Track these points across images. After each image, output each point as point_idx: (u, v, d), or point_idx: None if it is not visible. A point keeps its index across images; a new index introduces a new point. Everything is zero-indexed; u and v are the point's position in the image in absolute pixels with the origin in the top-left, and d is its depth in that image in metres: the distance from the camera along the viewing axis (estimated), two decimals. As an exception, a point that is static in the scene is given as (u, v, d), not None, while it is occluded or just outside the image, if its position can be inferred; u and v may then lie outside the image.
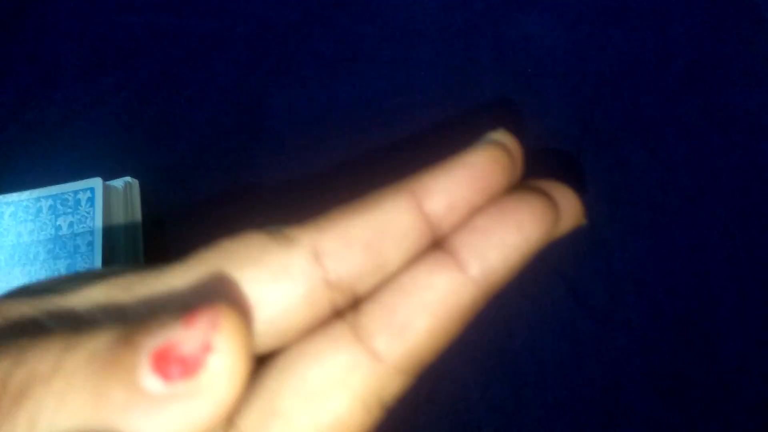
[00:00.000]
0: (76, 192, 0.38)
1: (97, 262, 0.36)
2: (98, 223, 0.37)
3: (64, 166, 0.44)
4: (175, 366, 0.13)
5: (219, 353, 0.13)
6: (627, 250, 0.41)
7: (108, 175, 0.41)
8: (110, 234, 0.38)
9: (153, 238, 0.42)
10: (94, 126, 0.46)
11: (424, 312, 0.16)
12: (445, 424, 0.37)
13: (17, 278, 0.36)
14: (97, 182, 0.38)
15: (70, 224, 0.37)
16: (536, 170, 0.47)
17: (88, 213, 0.37)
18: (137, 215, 0.41)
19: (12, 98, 0.47)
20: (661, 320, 0.39)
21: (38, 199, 0.38)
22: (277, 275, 0.15)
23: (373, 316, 0.16)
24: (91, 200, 0.38)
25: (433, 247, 0.16)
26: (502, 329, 0.39)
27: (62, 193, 0.38)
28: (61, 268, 0.36)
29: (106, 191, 0.39)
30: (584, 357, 0.38)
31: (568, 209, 0.19)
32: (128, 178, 0.42)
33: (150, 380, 0.13)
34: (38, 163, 0.44)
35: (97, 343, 0.14)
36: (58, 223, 0.37)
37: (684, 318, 0.39)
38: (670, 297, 0.40)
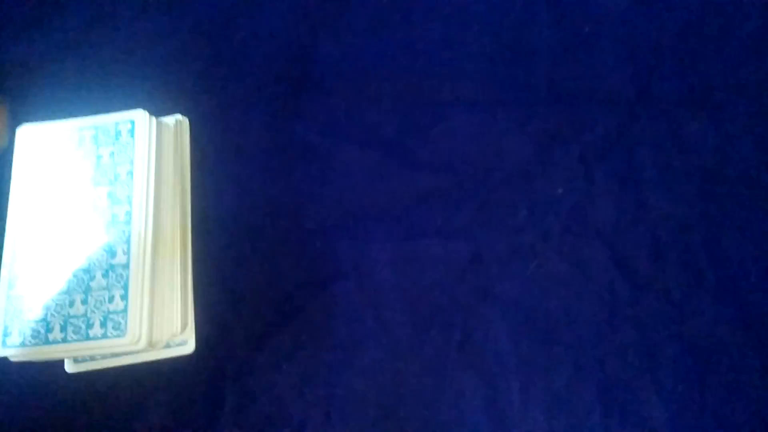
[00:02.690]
0: (117, 123, 0.39)
1: (136, 189, 0.37)
2: (139, 153, 0.38)
3: (119, 101, 0.45)
4: None
5: None
6: (674, 218, 0.40)
7: (159, 112, 0.42)
8: (159, 166, 0.39)
9: (199, 173, 0.43)
10: (149, 64, 0.46)
11: None
12: (474, 375, 0.37)
13: (61, 202, 0.38)
14: (138, 114, 0.39)
15: (111, 154, 0.39)
16: (585, 132, 0.46)
17: (128, 144, 0.39)
18: (186, 151, 0.43)
19: (72, 33, 0.48)
20: (703, 291, 0.38)
21: (81, 129, 0.39)
22: None
23: None
24: (131, 132, 0.39)
25: None
26: (538, 288, 0.39)
27: (104, 124, 0.39)
28: (101, 194, 0.38)
29: (158, 127, 0.40)
30: (620, 322, 0.38)
31: None
32: (179, 116, 0.43)
33: None
34: (93, 96, 0.46)
35: None
36: (99, 152, 0.39)
37: (727, 291, 0.38)
38: (714, 269, 0.39)
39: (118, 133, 0.39)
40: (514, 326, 0.38)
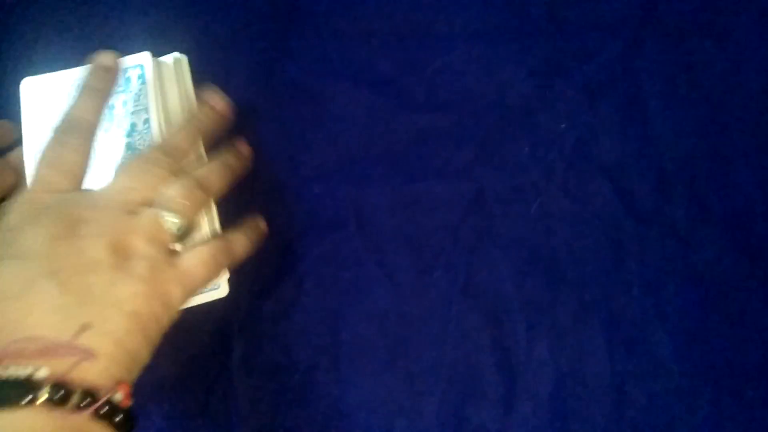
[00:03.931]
0: (125, 70, 0.36)
1: (156, 138, 0.35)
2: (152, 99, 0.36)
3: (96, 45, 0.43)
4: None
5: None
6: (680, 150, 0.39)
7: (152, 51, 0.40)
8: (166, 109, 0.37)
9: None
10: (125, 6, 0.44)
11: None
12: (479, 316, 0.38)
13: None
14: (145, 57, 0.37)
15: (124, 103, 0.36)
16: (588, 62, 0.44)
17: (140, 90, 0.36)
18: (190, 89, 0.40)
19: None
20: (709, 223, 0.38)
21: None
22: None
23: None
24: (141, 77, 0.36)
25: None
26: (542, 226, 0.39)
27: None
28: (119, 146, 0.36)
29: (157, 67, 0.37)
30: (624, 258, 0.38)
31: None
32: (177, 54, 0.40)
33: None
34: (70, 38, 0.43)
35: None
36: (111, 102, 0.36)
37: (734, 223, 0.38)
38: (721, 201, 0.38)
39: (127, 80, 0.36)
40: (518, 265, 0.38)
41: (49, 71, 0.38)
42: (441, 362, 0.37)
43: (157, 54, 0.40)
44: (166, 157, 0.33)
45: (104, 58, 0.34)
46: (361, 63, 0.42)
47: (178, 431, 0.37)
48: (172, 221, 0.30)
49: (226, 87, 0.42)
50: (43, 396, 0.23)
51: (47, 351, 0.24)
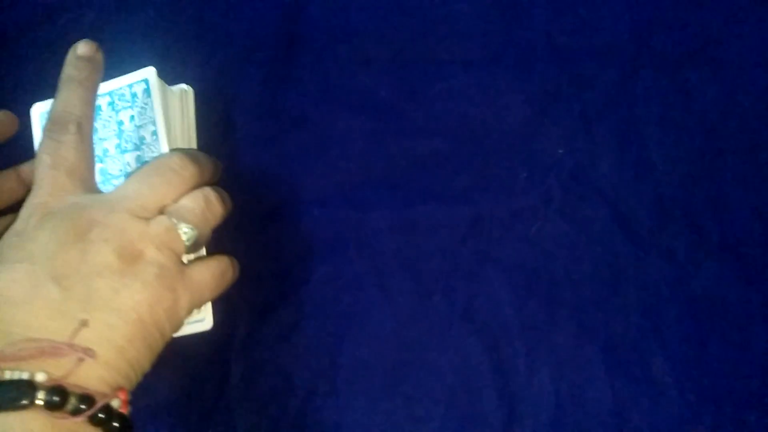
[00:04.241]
0: (131, 85, 0.37)
1: (164, 149, 0.36)
2: (158, 111, 0.36)
3: (121, 67, 0.44)
4: None
5: None
6: (677, 176, 0.40)
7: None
8: (169, 131, 0.37)
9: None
10: (130, 29, 0.45)
11: None
12: (478, 340, 0.38)
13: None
14: (150, 72, 0.37)
15: (131, 117, 0.37)
16: (585, 89, 0.45)
17: (146, 104, 0.36)
18: (192, 122, 0.41)
19: (47, 2, 0.46)
20: (706, 248, 0.38)
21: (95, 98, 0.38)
22: None
23: None
24: (147, 91, 0.37)
25: None
26: (540, 251, 0.39)
27: (119, 89, 0.37)
28: (130, 160, 0.36)
29: (161, 84, 0.38)
30: (622, 282, 0.38)
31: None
32: (184, 86, 0.41)
33: None
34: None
35: None
36: (119, 118, 0.37)
37: (731, 248, 0.38)
38: (718, 227, 0.38)
39: (134, 95, 0.37)
40: (516, 290, 0.38)
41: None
42: (440, 387, 0.37)
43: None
44: (186, 166, 0.32)
45: (81, 47, 0.33)
46: (361, 90, 0.43)
47: (175, 456, 0.37)
48: (186, 232, 0.30)
49: (228, 114, 0.43)
50: (40, 399, 0.23)
51: (46, 352, 0.24)
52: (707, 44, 0.42)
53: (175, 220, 0.30)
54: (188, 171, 0.32)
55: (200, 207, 0.31)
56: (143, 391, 0.38)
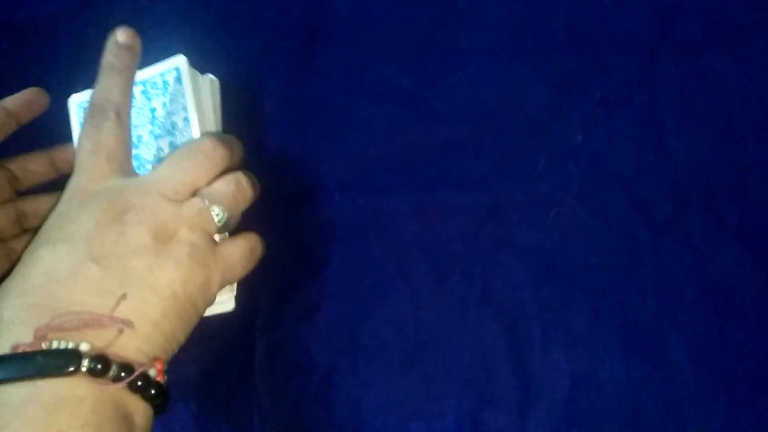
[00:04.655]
0: (163, 74, 0.38)
1: (195, 134, 0.37)
2: (189, 97, 0.37)
3: (150, 58, 0.45)
4: None
5: None
6: (696, 162, 0.40)
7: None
8: (200, 117, 0.38)
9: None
10: (159, 21, 0.46)
11: None
12: (495, 322, 0.38)
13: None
14: (180, 60, 0.38)
15: (164, 104, 0.38)
16: (605, 76, 0.45)
17: (177, 91, 0.38)
18: (218, 113, 0.42)
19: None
20: (724, 234, 0.38)
21: None
22: None
23: None
24: (178, 79, 0.38)
25: None
26: (558, 234, 0.39)
27: (151, 77, 0.39)
28: (163, 146, 0.38)
29: (193, 72, 0.39)
30: (640, 267, 0.38)
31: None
32: (211, 76, 0.42)
33: None
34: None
35: None
36: (152, 105, 0.38)
37: (749, 234, 0.38)
38: (736, 212, 0.38)
39: (165, 83, 0.38)
40: (534, 274, 0.39)
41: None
42: (457, 367, 0.38)
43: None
44: (216, 149, 0.33)
45: (121, 35, 0.34)
46: (383, 78, 0.44)
47: (202, 429, 0.39)
48: (218, 213, 0.31)
49: (254, 102, 0.44)
50: (84, 366, 0.25)
51: (89, 323, 0.26)
52: (728, 31, 0.42)
53: (207, 202, 0.31)
54: (218, 154, 0.33)
55: (231, 190, 0.33)
56: (171, 367, 0.40)
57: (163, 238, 0.29)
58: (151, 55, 0.45)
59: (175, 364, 0.39)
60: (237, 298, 0.37)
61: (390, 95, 0.43)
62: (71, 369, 0.25)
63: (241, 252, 0.33)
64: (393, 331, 0.39)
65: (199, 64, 0.43)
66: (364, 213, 0.41)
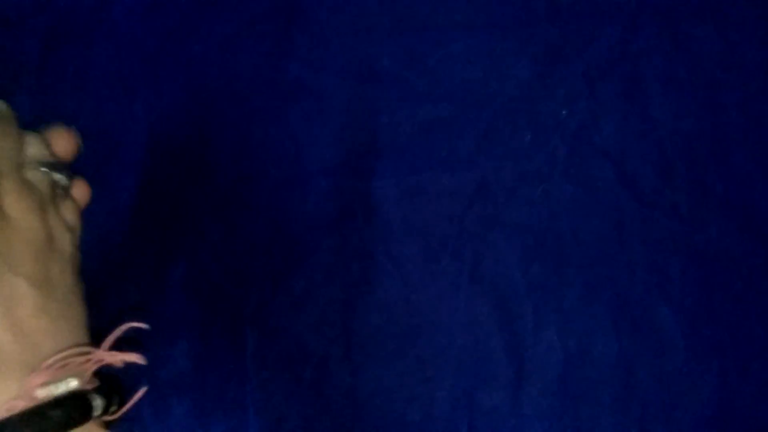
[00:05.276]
0: None
1: None
2: None
3: (104, 53, 0.44)
4: None
5: None
6: (680, 132, 0.40)
7: (146, 57, 0.41)
8: None
9: (196, 120, 0.42)
10: (130, 9, 0.44)
11: None
12: (486, 302, 0.38)
13: None
14: None
15: None
16: (587, 48, 0.44)
17: None
18: None
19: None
20: (710, 203, 0.38)
21: None
22: None
23: None
24: None
25: None
26: (546, 210, 0.39)
27: None
28: None
29: None
30: (628, 239, 0.38)
31: None
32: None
33: None
34: (76, 51, 0.44)
35: None
36: None
37: (734, 202, 0.38)
38: (721, 181, 0.39)
39: None
40: (523, 251, 0.39)
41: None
42: (451, 348, 0.38)
43: (149, 58, 0.40)
44: None
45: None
46: (363, 58, 0.43)
47: (195, 423, 0.38)
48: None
49: (231, 87, 0.43)
50: (98, 408, 0.24)
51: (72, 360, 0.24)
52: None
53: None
54: None
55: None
56: (161, 362, 0.40)
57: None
58: (124, 45, 0.44)
59: (163, 358, 0.39)
60: (216, 286, 0.36)
61: (371, 76, 0.42)
62: (94, 413, 0.23)
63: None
64: (385, 316, 0.38)
65: (177, 47, 0.42)
66: (350, 197, 0.40)
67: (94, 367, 0.25)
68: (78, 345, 0.25)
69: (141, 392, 0.25)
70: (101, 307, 0.38)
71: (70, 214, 0.28)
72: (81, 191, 0.30)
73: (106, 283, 0.39)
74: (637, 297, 0.37)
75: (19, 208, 0.25)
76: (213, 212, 0.41)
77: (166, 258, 0.40)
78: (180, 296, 0.40)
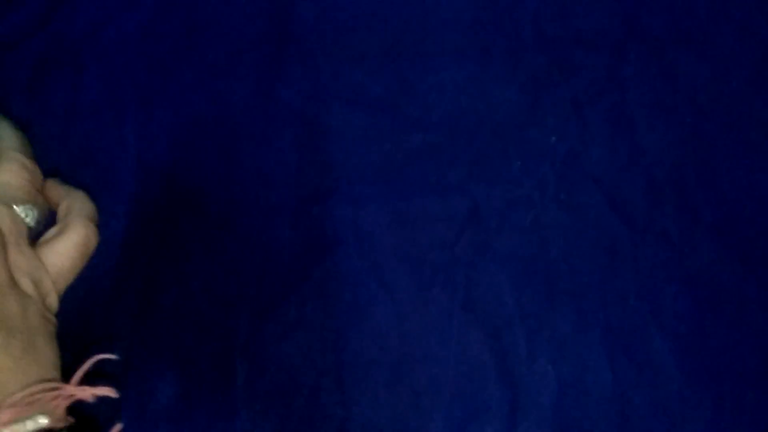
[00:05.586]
0: None
1: None
2: None
3: (94, 78, 0.43)
4: None
5: None
6: (668, 158, 0.40)
7: (137, 84, 0.41)
8: None
9: (185, 148, 0.42)
10: (121, 35, 0.44)
11: None
12: (479, 330, 0.38)
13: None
14: None
15: None
16: (575, 75, 0.45)
17: None
18: None
19: (35, 9, 0.45)
20: (700, 230, 0.38)
21: None
22: None
23: None
24: None
25: None
26: (537, 238, 0.39)
27: None
28: None
29: None
30: (619, 266, 0.38)
31: None
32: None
33: None
34: (66, 76, 0.44)
35: None
36: None
37: (724, 227, 0.38)
38: (710, 206, 0.39)
39: None
40: (515, 278, 0.39)
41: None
42: (444, 379, 0.37)
43: (142, 85, 0.40)
44: None
45: None
46: (354, 85, 0.43)
47: (184, 458, 0.38)
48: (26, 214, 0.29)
49: (222, 113, 0.43)
50: None
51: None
52: (693, 26, 0.42)
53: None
54: None
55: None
56: (147, 393, 0.39)
57: None
58: (115, 70, 0.44)
59: (151, 391, 0.38)
60: (203, 315, 0.36)
61: (362, 102, 0.42)
62: None
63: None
64: (377, 346, 0.38)
65: (164, 77, 0.42)
66: (341, 225, 0.40)
67: (66, 404, 0.24)
68: (46, 381, 0.25)
69: (116, 429, 0.24)
70: (88, 335, 0.38)
71: (51, 258, 0.28)
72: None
73: (93, 312, 0.39)
74: (630, 325, 0.37)
75: None
76: (202, 239, 0.40)
77: (154, 286, 0.40)
78: (168, 324, 0.39)
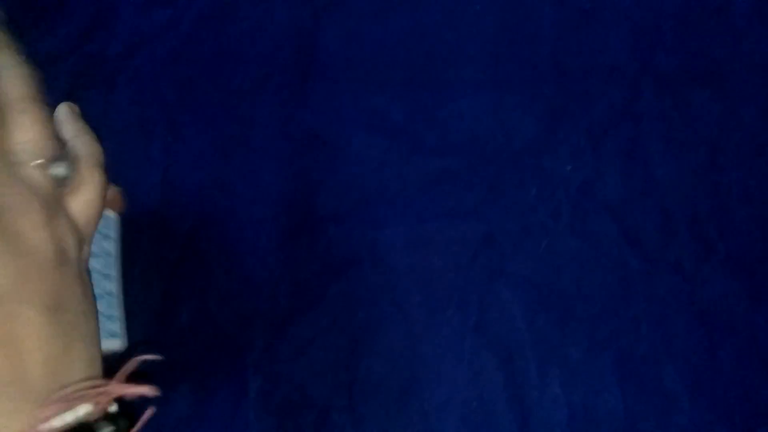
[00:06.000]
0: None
1: None
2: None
3: (126, 98, 0.45)
4: None
5: None
6: (682, 190, 0.41)
7: (165, 108, 0.42)
8: None
9: (210, 167, 0.43)
10: (153, 58, 0.46)
11: None
12: (491, 353, 0.38)
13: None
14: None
15: None
16: (591, 108, 0.46)
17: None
18: None
19: (74, 30, 0.48)
20: (712, 261, 0.39)
21: None
22: None
23: None
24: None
25: None
26: (551, 266, 0.40)
27: None
28: None
29: None
30: (632, 295, 0.39)
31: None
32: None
33: None
34: (99, 93, 0.46)
35: None
36: None
37: (736, 259, 0.38)
38: (723, 238, 0.39)
39: None
40: (528, 304, 0.39)
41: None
42: (454, 400, 0.37)
43: (171, 108, 0.42)
44: None
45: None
46: (375, 112, 0.44)
47: (195, 470, 0.38)
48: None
49: (247, 134, 0.44)
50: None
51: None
52: (708, 63, 0.43)
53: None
54: None
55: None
56: (161, 405, 0.39)
57: None
58: (146, 91, 0.46)
59: (166, 402, 0.39)
60: (219, 329, 0.37)
61: (382, 128, 0.44)
62: None
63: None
64: (389, 365, 0.38)
65: (195, 101, 0.44)
66: (358, 245, 0.41)
67: (108, 400, 0.24)
68: (91, 378, 0.25)
69: (148, 413, 0.25)
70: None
71: (78, 211, 0.25)
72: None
73: (112, 324, 0.40)
74: (641, 353, 0.37)
75: (21, 223, 0.22)
76: (221, 255, 0.41)
77: (172, 300, 0.41)
78: (184, 338, 0.40)
